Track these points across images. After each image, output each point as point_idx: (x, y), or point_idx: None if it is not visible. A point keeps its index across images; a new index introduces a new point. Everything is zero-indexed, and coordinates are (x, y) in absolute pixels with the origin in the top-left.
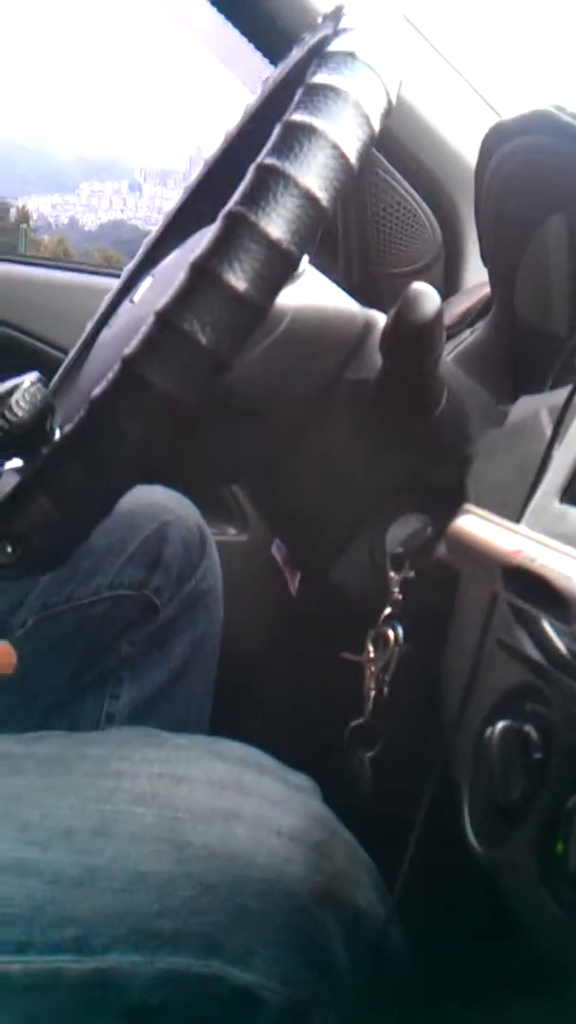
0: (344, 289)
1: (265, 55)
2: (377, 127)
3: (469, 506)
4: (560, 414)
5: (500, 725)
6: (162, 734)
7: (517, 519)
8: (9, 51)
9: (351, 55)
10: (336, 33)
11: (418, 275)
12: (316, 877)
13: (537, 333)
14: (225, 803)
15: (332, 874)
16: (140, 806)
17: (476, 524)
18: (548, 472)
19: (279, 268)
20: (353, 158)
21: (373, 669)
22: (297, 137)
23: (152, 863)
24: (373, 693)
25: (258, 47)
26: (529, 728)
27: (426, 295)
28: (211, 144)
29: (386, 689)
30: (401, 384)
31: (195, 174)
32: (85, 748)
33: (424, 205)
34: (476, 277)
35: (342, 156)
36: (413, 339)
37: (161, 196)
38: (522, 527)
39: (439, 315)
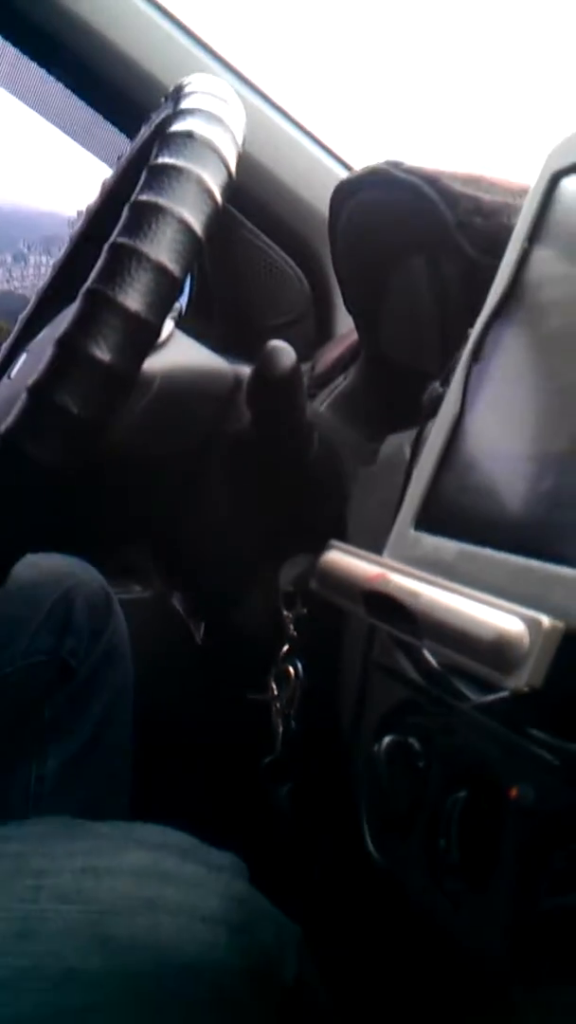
0: (222, 345)
1: (120, 130)
2: (220, 199)
3: (334, 542)
4: (412, 448)
5: (386, 740)
6: (83, 824)
7: None
8: None
9: (189, 135)
10: (176, 114)
11: (291, 326)
12: (241, 960)
13: (408, 372)
14: (148, 892)
15: (257, 954)
16: (64, 903)
17: (340, 557)
18: (404, 502)
19: (140, 337)
20: (199, 230)
21: (278, 706)
22: (146, 216)
23: (79, 960)
24: (281, 729)
25: (112, 123)
26: (412, 740)
27: (281, 351)
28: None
29: (293, 723)
30: (271, 433)
31: (64, 249)
32: (5, 845)
33: (290, 260)
34: (347, 324)
35: (189, 230)
36: (274, 392)
37: (46, 264)
38: (383, 556)
39: (295, 368)
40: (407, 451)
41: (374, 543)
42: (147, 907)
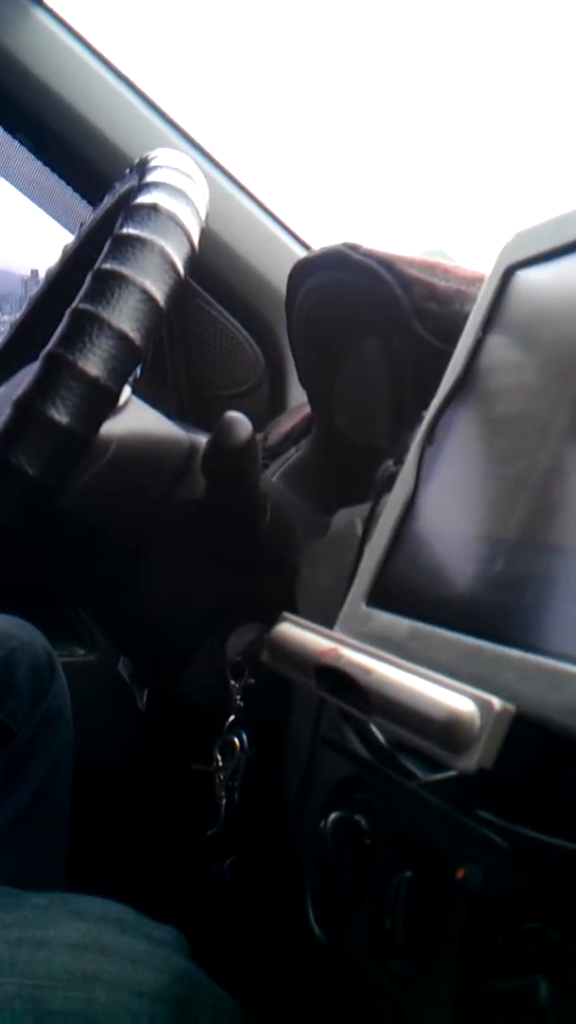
0: (176, 413)
1: (83, 197)
2: (183, 271)
3: (286, 614)
4: (366, 523)
5: (333, 816)
6: (21, 894)
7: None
8: None
9: (154, 208)
10: (141, 187)
11: (244, 396)
12: None
13: (360, 448)
14: (86, 965)
15: None
16: None
17: (292, 630)
18: (356, 578)
19: (99, 403)
20: (161, 300)
21: (222, 777)
22: (108, 284)
23: None
24: (224, 801)
25: (74, 189)
26: (359, 817)
27: (238, 422)
28: (46, 265)
29: (236, 796)
30: (224, 503)
31: (23, 310)
32: None
33: (244, 332)
34: (300, 396)
35: (151, 299)
36: (229, 462)
37: None
38: (334, 630)
39: (251, 440)
40: (359, 526)
41: (324, 615)
42: (84, 980)
